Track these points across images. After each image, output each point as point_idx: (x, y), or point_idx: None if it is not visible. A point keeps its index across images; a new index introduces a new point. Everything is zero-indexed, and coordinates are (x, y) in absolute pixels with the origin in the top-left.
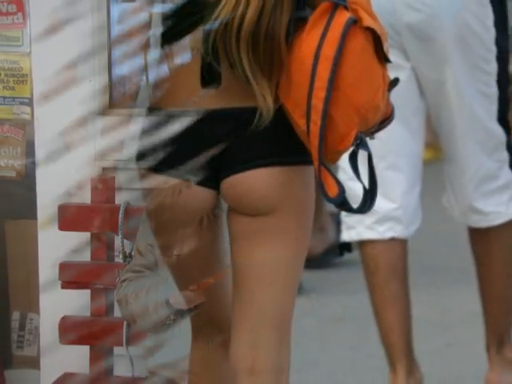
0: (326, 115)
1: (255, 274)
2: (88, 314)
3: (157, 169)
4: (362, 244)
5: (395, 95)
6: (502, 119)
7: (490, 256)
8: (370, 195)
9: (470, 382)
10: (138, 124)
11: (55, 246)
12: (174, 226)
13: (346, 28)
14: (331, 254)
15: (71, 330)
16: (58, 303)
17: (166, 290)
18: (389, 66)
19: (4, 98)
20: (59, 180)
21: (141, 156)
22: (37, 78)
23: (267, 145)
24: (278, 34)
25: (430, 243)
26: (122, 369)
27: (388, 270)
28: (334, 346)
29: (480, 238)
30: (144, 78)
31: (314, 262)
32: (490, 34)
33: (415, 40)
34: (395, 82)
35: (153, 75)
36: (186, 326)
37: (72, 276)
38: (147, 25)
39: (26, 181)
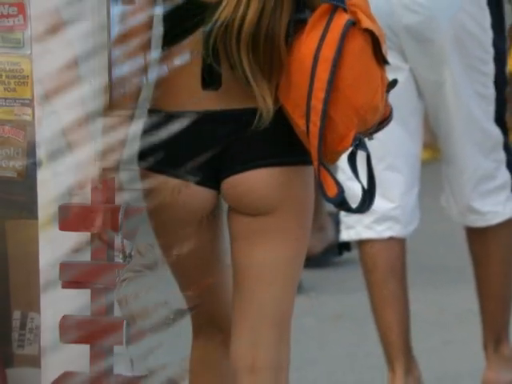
0: (326, 116)
1: (255, 273)
2: (88, 313)
3: (157, 169)
4: (361, 243)
5: (393, 96)
6: (500, 120)
7: (488, 255)
8: (368, 195)
9: (467, 380)
10: (139, 124)
11: (56, 246)
12: (174, 226)
13: (345, 30)
14: (330, 253)
15: (71, 330)
16: (59, 303)
17: (165, 290)
18: (387, 67)
19: (5, 99)
20: (59, 180)
21: (141, 156)
22: (37, 80)
23: (267, 145)
24: (277, 36)
25: (428, 243)
26: (121, 368)
27: (386, 269)
28: (333, 344)
29: (477, 237)
30: (144, 78)
31: (314, 261)
32: (488, 35)
33: (413, 42)
34: (394, 83)
35: (153, 76)
36: (186, 325)
37: (72, 276)
38: (148, 26)
39: (27, 181)
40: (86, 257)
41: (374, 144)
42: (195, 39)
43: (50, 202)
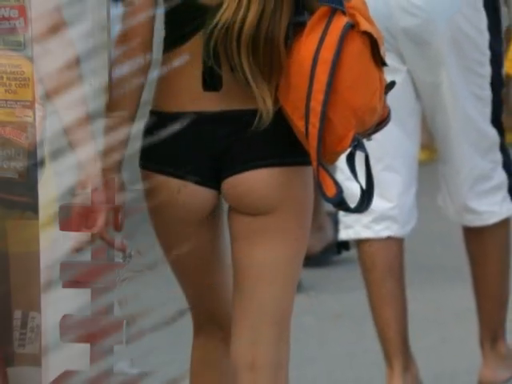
0: (325, 117)
1: (255, 272)
2: (88, 313)
3: (158, 169)
4: (360, 242)
5: (392, 98)
6: (496, 121)
7: (484, 255)
8: (367, 195)
9: (464, 377)
10: (139, 125)
11: (56, 246)
12: (175, 226)
13: (344, 32)
14: (329, 252)
15: (72, 329)
16: (59, 302)
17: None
18: (385, 69)
19: (6, 100)
20: (60, 180)
21: (142, 156)
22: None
23: (267, 146)
24: (277, 38)
25: (425, 242)
26: (121, 367)
27: (385, 268)
28: (332, 342)
29: (474, 237)
30: (144, 80)
31: (313, 260)
32: (484, 37)
33: (411, 44)
34: (392, 84)
35: (154, 77)
36: (186, 325)
37: (73, 275)
38: (148, 26)
39: (28, 182)
40: (86, 257)
41: (373, 145)
42: (196, 41)
43: (50, 202)
